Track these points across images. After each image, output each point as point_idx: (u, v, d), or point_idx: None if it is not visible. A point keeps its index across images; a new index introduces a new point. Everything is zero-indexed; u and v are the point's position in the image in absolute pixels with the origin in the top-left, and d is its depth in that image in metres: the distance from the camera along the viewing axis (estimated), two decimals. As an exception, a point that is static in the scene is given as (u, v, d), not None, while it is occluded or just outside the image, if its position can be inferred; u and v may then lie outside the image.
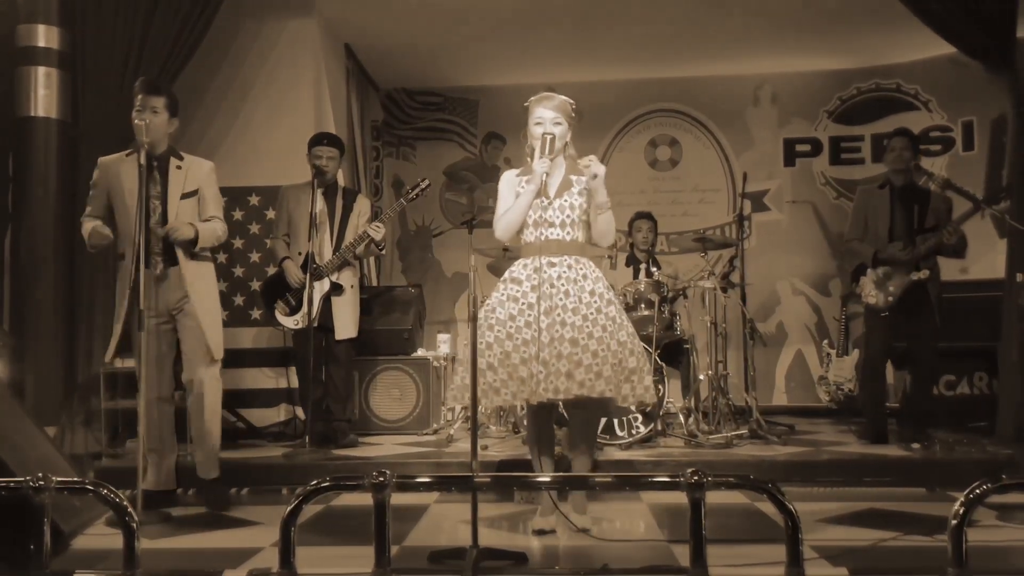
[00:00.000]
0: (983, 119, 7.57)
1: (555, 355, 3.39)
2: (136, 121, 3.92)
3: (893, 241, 5.19)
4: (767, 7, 6.77)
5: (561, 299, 3.47)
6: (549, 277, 3.49)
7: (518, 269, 3.59)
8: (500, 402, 3.49)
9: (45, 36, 5.13)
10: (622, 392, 3.47)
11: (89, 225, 4.10)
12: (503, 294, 3.55)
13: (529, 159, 3.64)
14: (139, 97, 4.06)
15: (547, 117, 3.57)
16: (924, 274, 5.09)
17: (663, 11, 6.84)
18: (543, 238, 3.53)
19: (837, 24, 7.09)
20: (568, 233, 3.57)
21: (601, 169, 3.49)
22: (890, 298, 5.13)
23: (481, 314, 3.51)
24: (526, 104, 3.68)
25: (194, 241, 4.10)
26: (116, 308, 4.15)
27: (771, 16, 6.93)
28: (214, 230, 4.20)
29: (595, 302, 3.49)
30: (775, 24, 7.10)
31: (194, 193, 4.17)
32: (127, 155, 4.12)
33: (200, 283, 4.16)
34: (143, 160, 3.83)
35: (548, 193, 3.55)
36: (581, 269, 3.55)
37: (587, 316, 3.45)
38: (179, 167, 4.16)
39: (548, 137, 3.51)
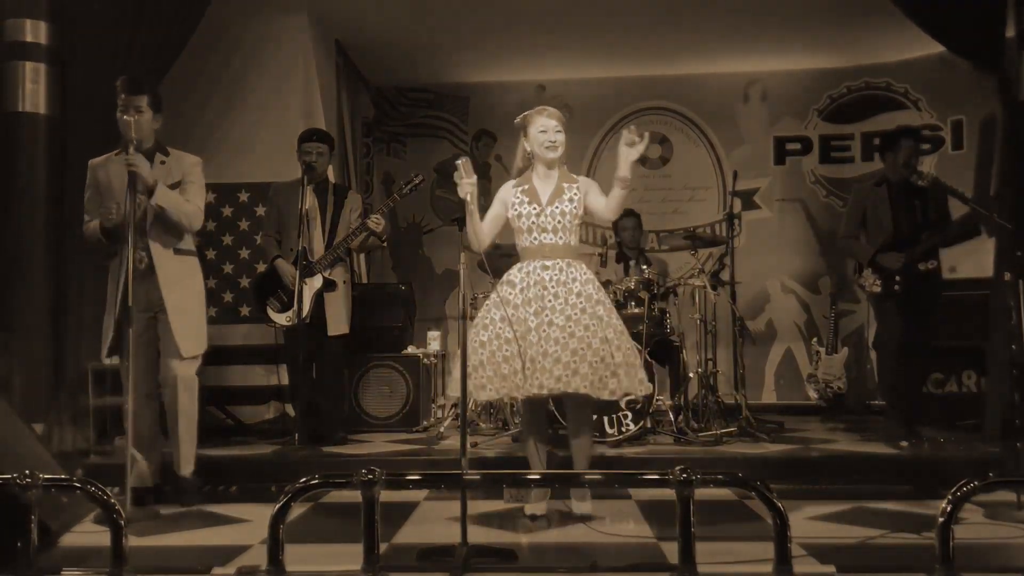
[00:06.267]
0: (972, 118, 7.59)
1: (541, 353, 3.59)
2: (125, 117, 3.97)
3: (897, 236, 5.14)
4: (757, 5, 6.78)
5: (551, 300, 3.66)
6: (541, 280, 3.69)
7: (514, 272, 3.79)
8: (486, 397, 3.72)
9: (32, 31, 5.09)
10: (609, 387, 3.63)
11: (91, 226, 4.14)
12: (499, 296, 3.72)
13: (520, 168, 3.90)
14: (121, 96, 4.05)
15: (551, 125, 3.80)
16: (931, 265, 5.06)
17: (654, 9, 6.84)
18: (537, 243, 3.76)
19: (827, 23, 7.10)
20: (561, 238, 3.77)
21: (640, 146, 3.65)
22: (896, 287, 5.07)
23: (480, 314, 3.78)
24: (520, 120, 3.86)
25: (151, 191, 3.97)
26: (108, 304, 4.15)
27: (761, 14, 6.94)
28: (180, 201, 4.09)
29: (580, 303, 3.66)
30: (765, 22, 7.11)
31: (177, 185, 4.16)
32: (116, 155, 4.14)
33: (176, 280, 4.14)
34: (130, 151, 3.88)
35: (540, 201, 3.76)
36: (572, 272, 3.74)
37: (571, 316, 3.64)
38: (163, 162, 4.18)
39: (462, 161, 3.64)
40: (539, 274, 3.69)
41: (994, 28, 5.18)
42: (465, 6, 6.79)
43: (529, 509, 3.77)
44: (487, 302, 3.80)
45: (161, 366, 4.17)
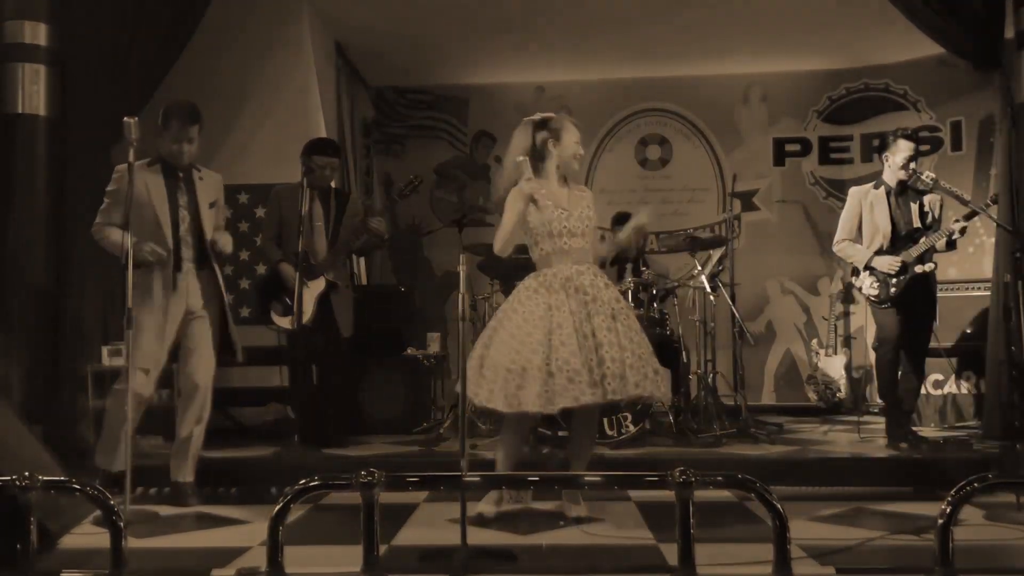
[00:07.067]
0: (971, 119, 7.61)
1: (609, 358, 3.52)
2: (175, 146, 4.19)
3: (896, 238, 5.11)
4: (757, 6, 6.78)
5: (601, 305, 3.62)
6: (581, 285, 3.64)
7: (548, 278, 3.67)
8: (564, 403, 3.50)
9: (31, 32, 5.09)
10: (661, 388, 3.68)
11: (117, 234, 4.10)
12: (539, 303, 3.60)
13: (535, 167, 3.78)
14: (174, 125, 4.18)
15: (580, 138, 3.84)
16: (929, 267, 5.03)
17: (653, 10, 6.84)
18: (567, 247, 3.70)
19: (827, 24, 7.11)
20: (587, 242, 3.77)
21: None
22: (892, 290, 5.06)
23: (519, 318, 3.59)
24: (548, 120, 3.81)
25: (222, 255, 4.38)
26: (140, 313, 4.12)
27: (761, 16, 6.94)
28: (227, 240, 4.43)
29: (623, 309, 3.68)
30: (765, 24, 7.11)
31: (214, 204, 4.37)
32: (148, 164, 4.22)
33: (210, 289, 4.32)
34: (154, 168, 4.19)
35: (565, 205, 3.73)
36: (601, 277, 3.74)
37: (623, 322, 3.62)
38: (202, 179, 4.34)
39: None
40: (578, 280, 3.63)
41: (993, 29, 5.19)
42: (464, 8, 6.79)
43: (480, 508, 3.72)
44: (519, 308, 3.61)
45: (180, 374, 4.32)
